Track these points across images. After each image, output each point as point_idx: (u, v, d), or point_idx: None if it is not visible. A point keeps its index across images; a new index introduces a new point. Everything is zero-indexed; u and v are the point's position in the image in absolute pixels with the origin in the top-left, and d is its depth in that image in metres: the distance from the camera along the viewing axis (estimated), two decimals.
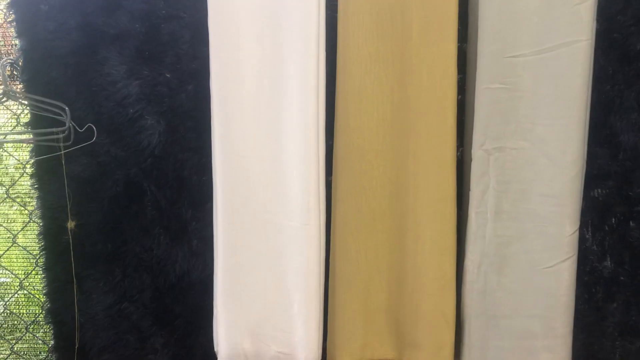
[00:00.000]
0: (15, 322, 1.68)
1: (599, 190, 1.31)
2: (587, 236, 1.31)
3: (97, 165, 1.39)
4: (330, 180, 1.29)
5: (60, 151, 1.36)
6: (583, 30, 1.14)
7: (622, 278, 1.32)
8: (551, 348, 1.20)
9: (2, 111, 1.56)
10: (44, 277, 1.46)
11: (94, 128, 1.35)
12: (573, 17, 1.14)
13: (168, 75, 1.35)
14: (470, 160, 1.21)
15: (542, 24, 1.16)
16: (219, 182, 1.29)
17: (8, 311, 1.66)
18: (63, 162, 1.36)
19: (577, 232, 1.19)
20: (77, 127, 1.35)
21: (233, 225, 1.29)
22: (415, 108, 1.24)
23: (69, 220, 1.39)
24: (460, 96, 1.25)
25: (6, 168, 1.63)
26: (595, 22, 1.16)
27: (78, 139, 1.35)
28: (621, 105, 1.28)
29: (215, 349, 1.34)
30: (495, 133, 1.19)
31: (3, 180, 1.60)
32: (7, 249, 1.60)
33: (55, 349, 1.48)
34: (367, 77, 1.24)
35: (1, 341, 1.66)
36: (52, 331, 1.48)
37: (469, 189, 1.22)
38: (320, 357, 1.29)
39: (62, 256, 1.42)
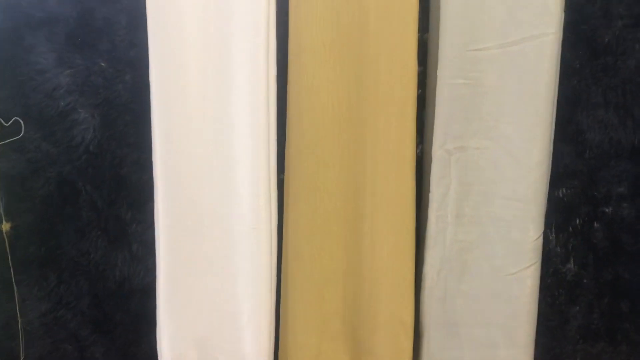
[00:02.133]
0: None
1: (564, 190, 1.27)
2: (551, 238, 1.28)
3: (26, 162, 1.29)
4: (283, 179, 1.22)
5: None
6: (551, 23, 1.09)
7: (585, 281, 1.30)
8: (513, 358, 1.17)
9: None
10: None
11: (21, 122, 1.25)
12: (541, 8, 1.08)
13: (103, 64, 1.26)
14: (430, 159, 1.15)
15: (509, 14, 1.10)
16: (160, 181, 1.20)
17: None
18: None
19: (542, 237, 1.15)
20: (2, 122, 1.25)
21: (176, 228, 1.21)
22: (373, 102, 1.17)
23: (4, 222, 1.29)
24: (420, 90, 1.19)
25: None
26: (563, 13, 1.10)
27: (4, 133, 1.26)
28: (588, 101, 1.24)
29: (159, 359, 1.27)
30: (456, 132, 1.13)
31: None
32: None
33: None
34: (321, 69, 1.16)
35: None
36: None
37: (428, 190, 1.16)
38: None
39: None
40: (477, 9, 1.09)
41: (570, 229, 1.29)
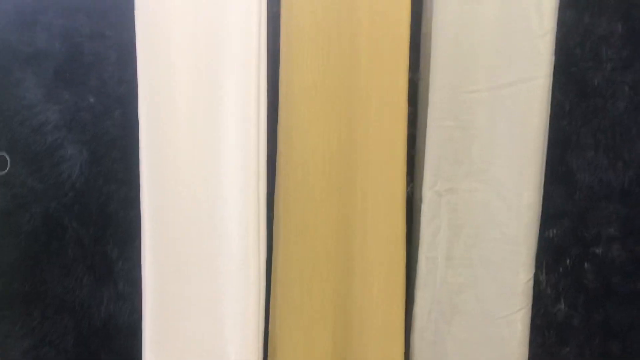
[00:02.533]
0: None
1: (554, 231, 1.28)
2: (541, 278, 1.29)
3: (12, 198, 1.28)
4: (272, 217, 1.21)
5: None
6: (542, 66, 1.10)
7: (576, 322, 1.31)
8: None
9: None
10: None
11: (7, 157, 1.24)
12: (532, 52, 1.09)
13: (92, 100, 1.25)
14: (421, 200, 1.14)
15: (500, 57, 1.11)
16: (147, 219, 1.19)
17: None
18: None
19: (532, 280, 1.15)
20: None
21: (163, 266, 1.19)
22: (364, 142, 1.17)
23: None
24: (411, 130, 1.19)
25: None
26: (553, 57, 1.10)
27: None
28: (578, 143, 1.25)
29: None
30: (447, 173, 1.14)
31: None
32: None
33: None
34: (311, 109, 1.16)
35: None
36: None
37: (418, 231, 1.15)
38: None
39: None
40: (467, 52, 1.10)
41: (561, 269, 1.29)
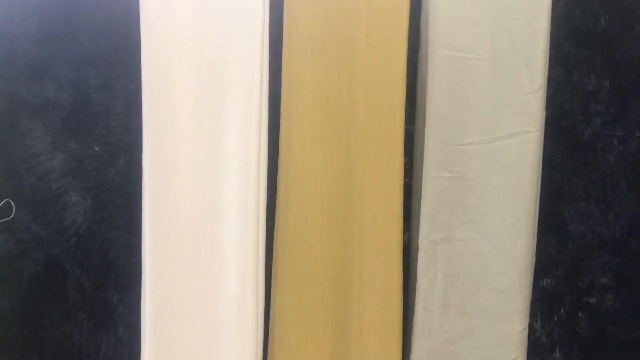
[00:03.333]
0: None
1: (548, 280, 1.29)
2: (536, 327, 1.29)
3: (15, 243, 1.30)
4: (270, 265, 1.22)
5: None
6: (533, 121, 1.13)
7: None
8: None
9: None
10: None
11: (12, 203, 1.26)
12: (523, 107, 1.13)
13: (97, 149, 1.29)
14: (417, 249, 1.16)
15: (492, 112, 1.14)
16: (148, 265, 1.21)
17: None
18: None
19: (527, 330, 1.16)
20: None
21: (162, 312, 1.21)
22: (361, 191, 1.19)
23: None
24: (407, 180, 1.22)
25: None
26: (544, 112, 1.14)
27: None
28: (570, 194, 1.27)
29: None
30: (442, 223, 1.16)
31: None
32: None
33: None
34: (310, 158, 1.19)
35: None
36: None
37: (415, 281, 1.17)
38: None
39: None
40: (461, 106, 1.13)
41: (556, 318, 1.29)
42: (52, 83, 1.26)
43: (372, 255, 1.18)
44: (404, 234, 1.22)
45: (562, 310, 1.29)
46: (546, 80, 1.14)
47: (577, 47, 1.25)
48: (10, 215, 1.27)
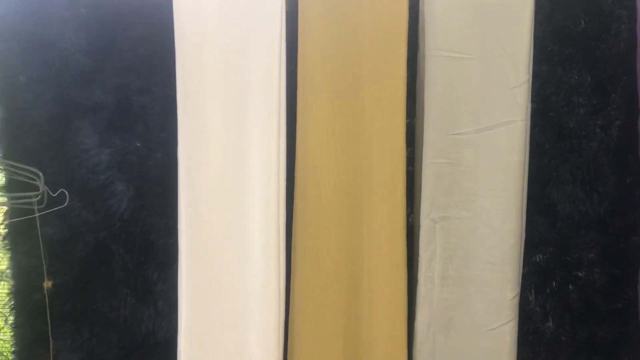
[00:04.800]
0: None
1: (540, 256, 1.39)
2: (530, 299, 1.39)
3: (68, 228, 1.44)
4: (290, 245, 1.35)
5: (35, 214, 1.41)
6: (519, 112, 1.25)
7: (563, 338, 1.40)
8: None
9: None
10: (13, 336, 1.49)
11: (66, 193, 1.41)
12: (509, 100, 1.25)
13: (138, 144, 1.43)
14: (419, 228, 1.29)
15: (482, 105, 1.26)
16: (184, 246, 1.35)
17: None
18: (38, 224, 1.41)
19: (518, 297, 1.27)
20: (50, 192, 1.41)
21: (197, 287, 1.34)
22: (368, 178, 1.32)
23: (46, 280, 1.44)
24: (410, 167, 1.34)
25: None
26: (530, 103, 1.26)
27: (51, 202, 1.41)
28: (557, 178, 1.38)
29: None
30: (440, 203, 1.28)
31: None
32: None
33: None
34: (323, 150, 1.32)
35: None
36: None
37: (417, 255, 1.30)
38: None
39: (32, 315, 1.46)
40: (455, 101, 1.26)
41: (548, 291, 1.40)
42: (99, 88, 1.41)
43: (380, 234, 1.31)
44: (409, 217, 1.35)
45: (554, 284, 1.40)
46: (530, 76, 1.26)
47: (560, 46, 1.36)
48: (65, 203, 1.41)
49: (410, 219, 1.36)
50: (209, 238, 1.35)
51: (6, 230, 1.48)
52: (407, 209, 1.32)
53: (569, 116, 1.37)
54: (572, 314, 1.40)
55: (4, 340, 1.64)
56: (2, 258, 1.53)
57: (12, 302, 1.49)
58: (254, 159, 1.34)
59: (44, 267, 1.44)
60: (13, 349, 1.50)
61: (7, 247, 1.48)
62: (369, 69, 1.31)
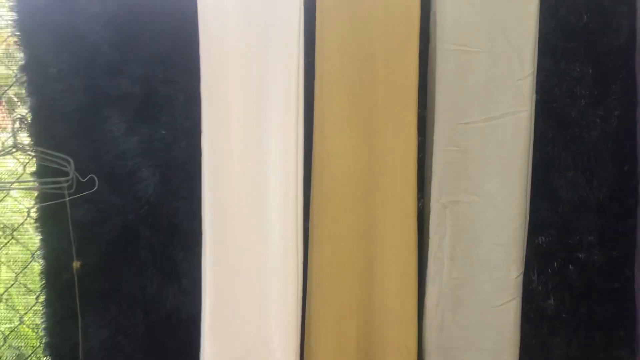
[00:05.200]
0: (13, 355, 1.79)
1: (543, 238, 1.46)
2: (533, 278, 1.46)
3: (96, 212, 1.51)
4: (307, 227, 1.43)
5: (65, 198, 1.49)
6: (524, 102, 1.32)
7: (563, 315, 1.48)
8: None
9: (11, 161, 1.69)
10: (44, 313, 1.57)
11: (95, 178, 1.48)
12: (515, 91, 1.32)
13: (164, 133, 1.49)
14: (430, 211, 1.37)
15: (490, 96, 1.33)
16: (208, 228, 1.42)
17: (8, 344, 1.77)
18: (68, 208, 1.49)
19: (522, 276, 1.35)
20: (79, 177, 1.49)
21: (219, 266, 1.42)
22: (382, 165, 1.39)
23: (75, 261, 1.52)
24: (421, 155, 1.42)
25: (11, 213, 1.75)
26: (535, 94, 1.34)
27: (80, 187, 1.48)
28: (560, 165, 1.44)
29: None
30: (450, 189, 1.35)
31: (9, 222, 1.73)
32: (10, 286, 1.72)
33: None
34: (339, 138, 1.40)
35: None
36: None
37: (428, 237, 1.38)
38: None
39: (62, 293, 1.54)
40: (464, 92, 1.33)
41: (550, 271, 1.47)
42: (126, 79, 1.48)
43: (392, 218, 1.39)
44: (419, 201, 1.42)
45: (555, 264, 1.47)
46: (535, 68, 1.33)
47: (563, 40, 1.43)
48: (94, 188, 1.48)
49: (420, 204, 1.43)
50: (231, 221, 1.42)
51: (37, 214, 1.56)
52: (417, 194, 1.39)
53: (571, 107, 1.44)
54: (572, 292, 1.47)
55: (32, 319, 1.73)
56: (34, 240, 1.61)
57: (43, 282, 1.57)
58: (274, 147, 1.41)
59: (73, 249, 1.52)
60: (44, 325, 1.58)
61: (39, 229, 1.55)
62: (383, 62, 1.38)
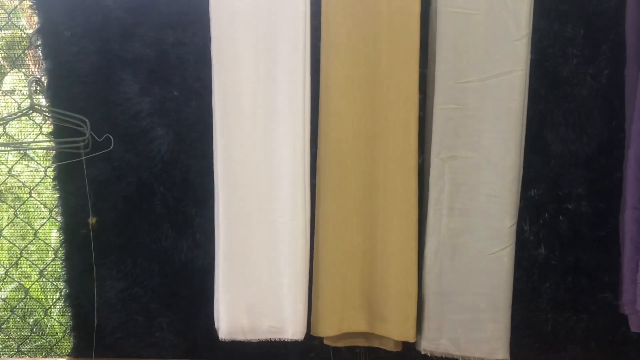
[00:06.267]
0: (33, 306, 1.88)
1: (535, 191, 1.55)
2: (525, 228, 1.56)
3: (112, 170, 1.60)
4: (315, 183, 1.51)
5: (82, 157, 1.56)
6: (519, 62, 1.38)
7: (553, 262, 1.57)
8: (494, 319, 1.44)
9: (27, 122, 1.75)
10: (63, 266, 1.66)
11: (111, 138, 1.56)
12: (511, 51, 1.38)
13: (175, 93, 1.56)
14: (429, 166, 1.45)
15: (487, 56, 1.39)
16: (220, 184, 1.49)
17: (29, 297, 1.86)
18: (84, 167, 1.57)
19: (515, 225, 1.42)
20: (95, 137, 1.56)
21: (232, 220, 1.50)
22: (384, 122, 1.46)
23: (91, 217, 1.60)
24: (421, 113, 1.48)
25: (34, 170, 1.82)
26: (529, 54, 1.40)
27: (96, 146, 1.56)
28: (552, 121, 1.52)
29: (216, 326, 1.54)
30: (449, 144, 1.43)
31: (26, 181, 1.80)
32: (29, 243, 1.80)
33: (74, 328, 1.69)
34: (344, 97, 1.46)
35: (22, 323, 1.87)
36: (69, 313, 1.69)
37: (428, 190, 1.46)
38: (305, 330, 1.51)
39: (80, 248, 1.63)
40: (462, 52, 1.40)
41: (541, 221, 1.56)
42: (139, 42, 1.54)
43: (394, 172, 1.46)
44: (420, 156, 1.49)
45: (546, 215, 1.56)
46: (531, 30, 1.38)
47: (557, 3, 1.49)
48: (110, 147, 1.56)
49: (421, 159, 1.50)
50: (241, 177, 1.49)
51: (54, 172, 1.63)
52: (418, 150, 1.46)
53: (563, 66, 1.51)
54: (561, 241, 1.57)
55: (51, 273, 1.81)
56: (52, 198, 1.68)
57: (62, 237, 1.66)
58: (282, 106, 1.47)
59: (89, 206, 1.60)
60: (64, 277, 1.67)
61: (57, 187, 1.63)
62: (386, 23, 1.44)
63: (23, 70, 1.71)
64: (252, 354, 1.64)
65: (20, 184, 1.79)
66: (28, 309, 1.87)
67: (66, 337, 1.79)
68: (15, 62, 1.72)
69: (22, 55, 1.72)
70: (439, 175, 1.45)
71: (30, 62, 1.72)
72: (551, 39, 1.51)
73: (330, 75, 1.46)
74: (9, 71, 1.74)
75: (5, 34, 1.74)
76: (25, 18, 1.77)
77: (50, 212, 1.72)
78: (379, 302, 1.51)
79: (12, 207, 1.79)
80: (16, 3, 1.68)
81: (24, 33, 1.67)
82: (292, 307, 1.50)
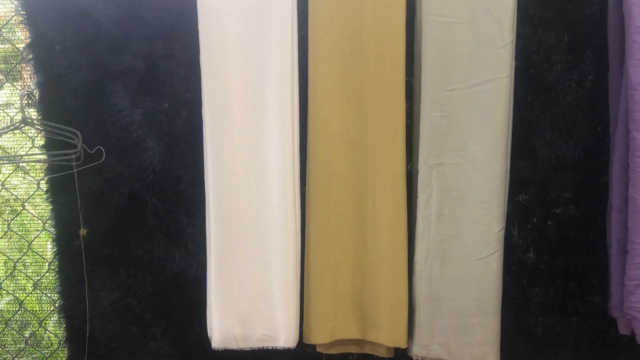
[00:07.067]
0: (28, 319, 1.89)
1: (523, 196, 1.56)
2: (514, 233, 1.57)
3: (104, 181, 1.60)
4: (304, 191, 1.52)
5: (74, 169, 1.57)
6: (504, 69, 1.40)
7: (542, 267, 1.59)
8: (484, 324, 1.45)
9: (19, 136, 1.76)
10: (57, 278, 1.67)
11: (103, 150, 1.57)
12: (496, 59, 1.40)
13: (166, 105, 1.57)
14: (417, 173, 1.47)
15: (472, 64, 1.41)
16: (211, 193, 1.50)
17: (23, 309, 1.86)
18: (76, 179, 1.58)
19: (503, 230, 1.44)
20: (87, 149, 1.57)
21: (223, 229, 1.51)
22: (372, 130, 1.48)
23: (81, 228, 1.61)
24: (408, 120, 1.50)
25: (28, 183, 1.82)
26: (514, 61, 1.42)
27: (88, 159, 1.57)
28: (538, 127, 1.54)
29: (209, 335, 1.54)
30: (436, 151, 1.44)
31: (20, 194, 1.81)
32: (23, 254, 1.81)
33: (68, 339, 1.69)
34: (332, 106, 1.48)
35: (17, 335, 1.87)
36: (64, 324, 1.69)
37: (416, 197, 1.47)
38: (297, 338, 1.52)
39: (73, 259, 1.64)
40: (448, 60, 1.41)
41: (529, 226, 1.57)
42: (129, 54, 1.55)
43: (383, 179, 1.47)
44: (408, 164, 1.51)
45: (534, 219, 1.57)
46: (515, 37, 1.40)
47: (540, 10, 1.51)
48: (101, 159, 1.56)
49: (409, 166, 1.52)
50: (232, 186, 1.50)
51: (47, 185, 1.64)
52: (406, 157, 1.48)
53: (548, 72, 1.53)
54: (550, 245, 1.58)
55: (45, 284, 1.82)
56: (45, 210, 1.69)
57: (55, 249, 1.67)
58: (271, 114, 1.48)
59: (80, 217, 1.61)
60: (58, 289, 1.68)
61: (49, 199, 1.64)
62: (372, 32, 1.45)
63: (20, 83, 1.72)
64: None
65: (14, 197, 1.80)
66: (24, 321, 1.88)
67: (61, 349, 1.80)
68: (8, 76, 1.73)
69: (19, 68, 1.73)
70: (426, 182, 1.46)
71: (26, 76, 1.73)
72: (535, 45, 1.53)
73: (318, 84, 1.48)
74: (4, 84, 1.75)
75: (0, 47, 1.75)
76: (21, 31, 1.78)
77: (44, 224, 1.73)
78: (371, 308, 1.51)
79: (6, 220, 1.80)
80: (10, 16, 1.69)
81: (15, 47, 1.68)
82: (284, 315, 1.51)
